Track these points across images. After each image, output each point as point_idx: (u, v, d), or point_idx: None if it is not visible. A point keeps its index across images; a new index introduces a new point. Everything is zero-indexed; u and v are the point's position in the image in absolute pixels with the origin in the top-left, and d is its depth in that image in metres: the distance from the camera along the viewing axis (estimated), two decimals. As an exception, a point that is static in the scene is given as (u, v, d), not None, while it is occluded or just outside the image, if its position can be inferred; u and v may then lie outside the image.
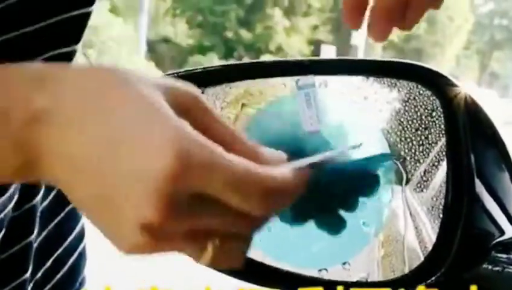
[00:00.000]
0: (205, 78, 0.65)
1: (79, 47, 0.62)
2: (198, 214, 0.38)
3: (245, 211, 0.39)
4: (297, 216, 0.57)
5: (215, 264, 0.40)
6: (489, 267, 0.54)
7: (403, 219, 0.61)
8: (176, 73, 0.65)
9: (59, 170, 0.39)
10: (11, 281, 0.61)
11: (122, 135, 0.37)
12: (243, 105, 0.68)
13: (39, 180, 0.41)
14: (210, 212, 0.38)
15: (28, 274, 0.63)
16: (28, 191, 0.62)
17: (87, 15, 0.60)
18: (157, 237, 0.38)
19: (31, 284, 0.64)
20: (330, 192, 0.54)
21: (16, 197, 0.59)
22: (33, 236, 0.63)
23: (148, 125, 0.37)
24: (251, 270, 0.59)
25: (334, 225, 0.56)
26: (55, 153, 0.38)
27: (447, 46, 21.45)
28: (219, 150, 0.38)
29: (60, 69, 0.41)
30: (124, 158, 0.37)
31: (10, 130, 0.38)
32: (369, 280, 0.60)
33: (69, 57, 0.61)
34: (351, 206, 0.56)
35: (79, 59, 0.65)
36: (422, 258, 0.57)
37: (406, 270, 0.57)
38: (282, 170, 0.40)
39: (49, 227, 0.67)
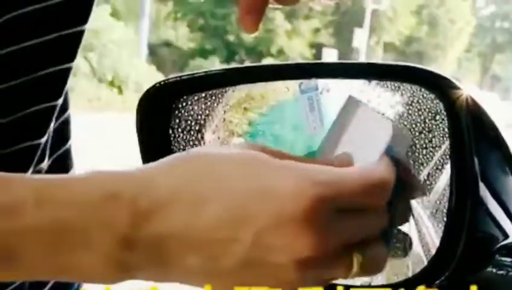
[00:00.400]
0: (207, 82, 0.65)
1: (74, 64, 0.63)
2: (341, 232, 0.40)
3: (374, 211, 0.42)
4: None
5: (363, 274, 0.43)
6: (494, 270, 0.54)
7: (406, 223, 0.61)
8: (179, 77, 0.65)
9: (188, 259, 0.40)
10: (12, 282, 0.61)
11: (244, 200, 0.39)
12: (245, 109, 0.68)
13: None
14: (351, 226, 0.41)
15: None
16: None
17: (81, 33, 0.61)
18: (311, 268, 0.40)
19: (27, 283, 0.64)
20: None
21: None
22: None
23: (265, 176, 0.40)
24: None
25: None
26: (182, 242, 0.39)
27: (448, 48, 21.46)
28: (332, 169, 0.42)
29: (135, 172, 0.42)
30: (259, 218, 0.39)
31: (115, 234, 0.39)
32: (372, 283, 0.60)
33: (65, 74, 0.61)
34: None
35: (80, 63, 0.65)
36: (425, 262, 0.57)
37: (409, 274, 0.57)
38: (374, 165, 0.43)
39: None
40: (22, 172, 0.57)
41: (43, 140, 0.62)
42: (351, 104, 0.47)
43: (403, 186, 0.44)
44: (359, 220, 0.41)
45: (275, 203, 0.39)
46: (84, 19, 0.61)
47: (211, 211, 0.39)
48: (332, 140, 0.47)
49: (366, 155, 0.44)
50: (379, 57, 19.38)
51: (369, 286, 0.60)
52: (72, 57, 0.61)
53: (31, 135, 0.61)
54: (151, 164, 0.42)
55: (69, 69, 0.62)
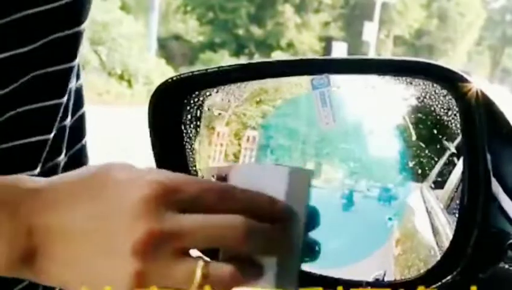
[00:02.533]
0: (220, 78, 0.65)
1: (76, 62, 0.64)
2: (178, 228, 0.43)
3: (221, 219, 0.44)
4: None
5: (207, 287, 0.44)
6: (506, 266, 0.54)
7: (419, 216, 0.61)
8: (191, 72, 0.65)
9: (55, 252, 0.45)
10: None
11: (107, 196, 0.45)
12: (258, 102, 0.68)
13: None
14: (190, 224, 0.43)
15: None
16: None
17: (79, 34, 0.62)
18: (147, 258, 0.43)
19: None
20: None
21: None
22: None
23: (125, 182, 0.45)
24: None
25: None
26: (54, 237, 0.45)
27: (458, 42, 21.34)
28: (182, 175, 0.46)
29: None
30: (110, 208, 0.44)
31: (21, 222, 0.45)
32: (385, 277, 0.60)
33: (66, 73, 0.62)
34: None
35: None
36: (438, 256, 0.57)
37: (422, 268, 0.57)
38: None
39: None
40: (30, 167, 0.62)
41: (51, 136, 0.63)
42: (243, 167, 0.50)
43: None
44: (198, 217, 0.43)
45: (120, 192, 0.44)
46: (80, 21, 0.62)
47: (84, 207, 0.45)
48: None
49: None
50: (389, 51, 19.28)
51: (383, 284, 0.60)
52: (72, 58, 0.62)
53: (36, 131, 0.62)
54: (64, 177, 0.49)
55: (70, 69, 0.63)
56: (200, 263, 0.43)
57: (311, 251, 0.48)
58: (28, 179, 0.48)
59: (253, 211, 0.44)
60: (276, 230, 0.44)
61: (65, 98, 0.64)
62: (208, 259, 0.44)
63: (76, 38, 0.62)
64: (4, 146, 0.60)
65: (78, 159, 0.69)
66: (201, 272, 0.43)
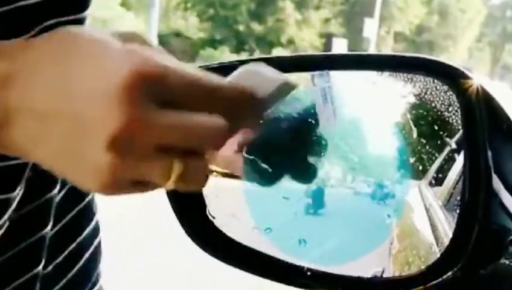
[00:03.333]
0: (221, 74, 0.65)
1: None
2: (159, 123, 0.40)
3: (203, 121, 0.41)
4: (271, 174, 0.57)
5: (180, 185, 0.42)
6: (507, 262, 0.54)
7: (418, 213, 0.61)
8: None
9: (25, 127, 0.41)
10: (24, 273, 0.62)
11: (80, 72, 0.40)
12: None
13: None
14: (171, 122, 0.40)
15: (40, 267, 0.63)
16: (45, 184, 0.63)
17: (83, 20, 0.61)
18: (123, 151, 0.39)
19: (40, 278, 0.64)
20: (298, 139, 0.54)
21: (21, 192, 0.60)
22: (47, 229, 0.63)
23: (101, 54, 0.40)
24: (270, 267, 0.59)
25: (306, 173, 0.56)
26: (21, 110, 0.41)
27: (459, 38, 21.34)
28: (170, 58, 0.41)
29: (17, 41, 0.44)
30: (84, 88, 0.40)
31: None
32: (384, 274, 0.60)
33: None
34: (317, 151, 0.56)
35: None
36: (438, 253, 0.57)
37: (422, 265, 0.57)
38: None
39: (64, 221, 0.67)
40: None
41: None
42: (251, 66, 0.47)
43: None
44: (180, 116, 0.41)
45: (95, 72, 0.39)
46: (83, 7, 0.61)
47: (50, 86, 0.41)
48: None
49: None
50: (389, 47, 19.28)
51: (382, 280, 0.60)
52: None
53: None
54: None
55: None
56: (176, 161, 0.41)
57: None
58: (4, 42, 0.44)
59: (234, 113, 0.43)
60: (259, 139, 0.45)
61: None
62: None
63: (80, 24, 0.61)
64: None
65: None
66: (177, 171, 0.41)
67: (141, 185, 0.42)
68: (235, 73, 0.45)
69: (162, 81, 0.40)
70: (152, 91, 0.39)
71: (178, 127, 0.41)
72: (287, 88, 0.46)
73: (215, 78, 0.43)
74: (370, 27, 18.13)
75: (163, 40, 16.17)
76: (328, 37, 18.27)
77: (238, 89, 0.43)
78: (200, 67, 0.65)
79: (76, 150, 0.41)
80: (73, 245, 0.69)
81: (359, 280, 0.59)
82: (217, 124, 0.41)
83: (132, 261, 3.50)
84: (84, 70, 0.40)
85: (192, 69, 0.42)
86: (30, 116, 0.41)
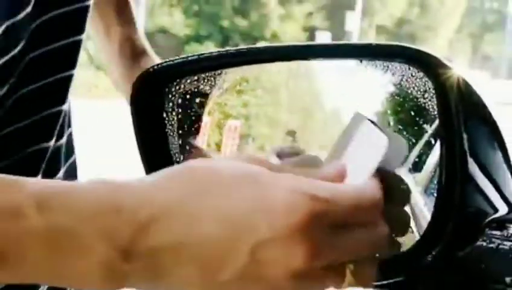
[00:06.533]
0: (200, 65, 0.65)
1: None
2: (336, 244, 0.42)
3: (366, 228, 0.43)
4: None
5: (355, 284, 0.45)
6: (484, 244, 0.55)
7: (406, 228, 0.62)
8: (172, 60, 0.66)
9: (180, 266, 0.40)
10: None
11: (240, 215, 0.40)
12: (239, 91, 0.68)
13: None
14: (346, 244, 0.42)
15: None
16: None
17: (79, 42, 0.62)
18: (306, 278, 0.41)
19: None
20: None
21: None
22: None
23: (262, 191, 0.41)
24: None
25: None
26: (176, 249, 0.40)
27: (439, 30, 21.43)
28: (327, 185, 0.43)
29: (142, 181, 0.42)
30: (255, 232, 0.40)
31: (116, 245, 0.40)
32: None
33: (67, 81, 0.64)
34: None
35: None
36: (417, 237, 0.58)
37: (402, 249, 0.58)
38: (366, 185, 0.44)
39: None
40: (32, 176, 0.59)
41: (51, 144, 0.64)
42: (356, 119, 0.48)
43: (393, 196, 0.46)
44: (352, 236, 0.43)
45: (270, 216, 0.40)
46: (81, 29, 0.63)
47: (208, 225, 0.40)
48: (336, 153, 0.49)
49: (360, 170, 0.45)
50: (371, 40, 19.30)
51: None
52: (72, 65, 0.64)
53: (39, 139, 0.63)
54: (151, 176, 0.43)
55: (70, 76, 0.64)
56: (348, 268, 0.44)
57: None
58: (121, 187, 0.41)
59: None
60: None
61: (66, 106, 0.66)
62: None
63: (78, 46, 0.64)
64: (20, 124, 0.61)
65: (73, 174, 0.70)
66: (350, 275, 0.44)
67: None
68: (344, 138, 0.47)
69: (331, 209, 0.41)
70: (326, 222, 0.41)
71: (350, 244, 0.43)
72: (398, 147, 0.47)
73: (373, 193, 0.44)
74: (352, 20, 18.17)
75: (149, 37, 16.08)
76: (311, 31, 18.28)
77: (375, 194, 0.44)
78: (177, 59, 0.66)
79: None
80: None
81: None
82: (382, 234, 0.44)
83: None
84: (245, 209, 0.40)
85: (349, 191, 0.43)
86: (189, 260, 0.40)
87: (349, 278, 0.44)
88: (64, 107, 0.66)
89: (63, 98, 0.65)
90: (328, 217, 0.41)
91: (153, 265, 0.40)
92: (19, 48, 0.58)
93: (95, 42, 0.87)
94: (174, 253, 0.40)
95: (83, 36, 0.65)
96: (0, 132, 0.60)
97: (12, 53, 0.58)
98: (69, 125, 0.70)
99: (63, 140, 0.68)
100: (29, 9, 0.58)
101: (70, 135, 0.71)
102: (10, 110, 0.60)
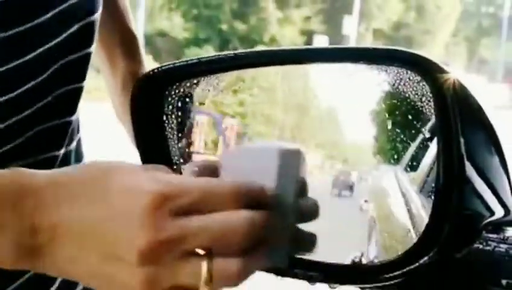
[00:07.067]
0: (200, 68, 0.66)
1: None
2: (184, 230, 0.44)
3: (223, 218, 0.44)
4: None
5: (216, 285, 0.44)
6: (480, 246, 0.55)
7: (394, 199, 0.62)
8: (172, 64, 0.66)
9: (65, 250, 0.46)
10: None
11: (111, 198, 0.45)
12: (235, 91, 0.69)
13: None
14: (195, 226, 0.44)
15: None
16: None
17: (89, 56, 0.65)
18: (154, 262, 0.43)
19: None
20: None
21: None
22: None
23: (130, 182, 0.45)
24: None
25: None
26: (62, 233, 0.46)
27: (436, 34, 21.46)
28: (179, 176, 0.48)
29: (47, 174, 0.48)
30: (115, 211, 0.45)
31: (24, 218, 0.46)
32: (363, 259, 0.61)
33: (78, 92, 0.66)
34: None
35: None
36: (415, 238, 0.58)
37: (400, 250, 0.58)
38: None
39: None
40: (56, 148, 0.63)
41: (61, 152, 0.65)
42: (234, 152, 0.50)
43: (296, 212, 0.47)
44: (201, 219, 0.44)
45: (123, 202, 0.44)
46: (90, 42, 0.64)
47: (88, 209, 0.45)
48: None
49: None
50: (368, 43, 19.30)
51: (362, 266, 0.61)
52: (82, 77, 0.66)
53: (49, 147, 0.64)
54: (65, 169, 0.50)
55: (80, 88, 0.65)
56: (204, 262, 0.44)
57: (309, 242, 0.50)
58: (28, 174, 0.48)
59: (249, 204, 0.45)
60: (271, 217, 0.46)
61: (76, 116, 0.68)
62: (212, 255, 0.44)
63: (87, 58, 0.66)
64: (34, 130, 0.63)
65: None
66: (206, 270, 0.44)
67: None
68: (228, 155, 0.49)
69: (177, 197, 0.44)
70: (169, 207, 0.44)
71: (201, 231, 0.44)
72: (291, 156, 0.47)
73: (219, 181, 0.47)
74: (349, 24, 18.18)
75: (149, 41, 16.09)
76: (309, 35, 18.29)
77: (239, 185, 0.46)
78: (177, 62, 0.66)
79: (111, 270, 0.45)
80: None
81: (338, 265, 0.60)
82: (237, 221, 0.44)
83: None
84: (116, 197, 0.45)
85: (195, 181, 0.46)
86: (69, 239, 0.45)
87: (205, 275, 0.44)
88: (74, 117, 0.67)
89: (72, 109, 0.66)
90: (175, 201, 0.44)
91: (52, 239, 0.46)
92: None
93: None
94: (64, 229, 0.46)
95: (92, 49, 0.66)
96: (12, 142, 0.61)
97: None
98: (78, 131, 0.71)
99: (72, 146, 0.69)
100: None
101: (79, 140, 0.72)
102: (21, 121, 0.61)
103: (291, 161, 0.47)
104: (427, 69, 0.57)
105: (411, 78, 0.59)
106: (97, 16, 0.65)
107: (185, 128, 0.68)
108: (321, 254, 0.57)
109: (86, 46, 0.65)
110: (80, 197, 0.46)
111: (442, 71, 0.56)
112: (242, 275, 0.45)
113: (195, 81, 0.67)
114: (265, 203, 0.46)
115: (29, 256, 0.46)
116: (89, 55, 0.66)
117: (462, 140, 0.55)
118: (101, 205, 0.45)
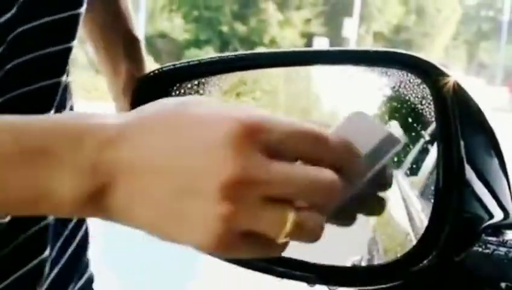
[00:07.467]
0: (201, 70, 0.66)
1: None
2: (272, 173, 0.39)
3: (316, 174, 0.40)
4: None
5: (297, 237, 0.41)
6: (480, 249, 0.55)
7: (395, 202, 0.63)
8: (173, 65, 0.66)
9: (131, 188, 0.41)
10: (30, 260, 0.64)
11: (189, 128, 0.40)
12: (238, 94, 0.69)
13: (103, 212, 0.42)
14: (284, 174, 0.40)
15: (46, 253, 0.65)
16: None
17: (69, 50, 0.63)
18: (236, 200, 0.39)
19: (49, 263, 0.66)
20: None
21: None
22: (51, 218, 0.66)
23: (209, 111, 0.41)
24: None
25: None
26: (128, 171, 0.40)
27: (435, 37, 21.51)
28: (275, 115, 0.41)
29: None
30: (194, 142, 0.40)
31: (84, 155, 0.41)
32: (362, 263, 0.62)
33: (66, 52, 0.64)
34: None
35: (78, 54, 0.68)
36: (414, 241, 0.58)
37: (399, 253, 0.59)
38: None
39: None
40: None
41: (52, 112, 0.64)
42: (354, 115, 0.48)
43: (374, 180, 0.46)
44: (289, 167, 0.40)
45: (205, 130, 0.40)
46: (72, 37, 0.63)
47: (159, 143, 0.40)
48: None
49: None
50: (369, 46, 19.33)
51: (362, 269, 0.61)
52: (71, 37, 0.64)
53: (37, 109, 0.63)
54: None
55: (69, 49, 0.64)
56: (292, 212, 0.40)
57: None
58: (91, 115, 0.42)
59: (340, 166, 0.42)
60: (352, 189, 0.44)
61: (65, 77, 0.65)
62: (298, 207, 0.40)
63: (75, 20, 0.63)
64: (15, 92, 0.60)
65: None
66: (292, 220, 0.40)
67: (253, 240, 0.41)
68: (339, 123, 0.46)
69: (269, 129, 0.40)
70: (260, 140, 0.39)
71: (287, 181, 0.40)
72: (390, 142, 0.46)
73: (320, 129, 0.42)
74: (350, 27, 18.20)
75: (150, 42, 16.13)
76: (309, 37, 18.31)
77: (343, 143, 0.43)
78: (178, 64, 0.66)
79: (185, 206, 0.40)
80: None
81: (338, 268, 0.60)
82: (327, 180, 0.41)
83: (132, 262, 3.49)
84: (194, 127, 0.40)
85: (293, 120, 0.41)
86: (137, 175, 0.40)
87: (290, 226, 0.40)
88: (63, 78, 0.65)
89: (60, 69, 0.65)
90: (266, 135, 0.40)
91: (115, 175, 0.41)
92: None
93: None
94: (127, 166, 0.41)
95: (82, 10, 0.65)
96: None
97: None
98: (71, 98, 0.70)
99: (66, 111, 0.68)
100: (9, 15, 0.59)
101: (71, 108, 0.71)
102: (3, 81, 0.60)
103: (390, 146, 0.46)
104: (427, 72, 0.57)
105: (411, 80, 0.59)
106: (82, 10, 0.65)
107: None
108: (321, 256, 0.58)
109: (67, 40, 0.64)
110: (152, 132, 0.41)
111: (443, 74, 0.56)
112: (321, 232, 0.42)
113: (196, 83, 0.67)
114: (352, 172, 0.43)
115: (90, 199, 0.41)
116: (69, 49, 0.65)
117: (462, 143, 0.55)
118: (177, 137, 0.40)
